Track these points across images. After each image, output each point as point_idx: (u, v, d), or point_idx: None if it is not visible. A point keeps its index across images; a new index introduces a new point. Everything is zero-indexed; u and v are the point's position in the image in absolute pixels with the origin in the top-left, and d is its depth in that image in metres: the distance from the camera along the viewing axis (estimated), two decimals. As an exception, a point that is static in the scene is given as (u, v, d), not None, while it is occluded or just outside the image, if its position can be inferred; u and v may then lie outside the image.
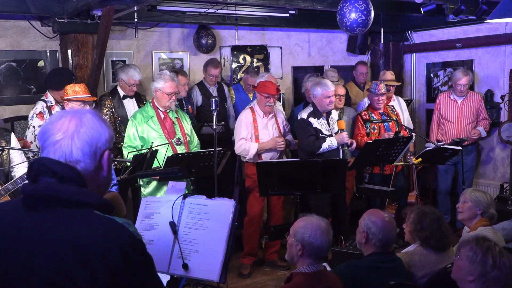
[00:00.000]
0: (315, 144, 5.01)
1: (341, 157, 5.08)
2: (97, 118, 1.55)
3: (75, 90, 4.41)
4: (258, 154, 5.02)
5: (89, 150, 1.50)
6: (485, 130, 6.21)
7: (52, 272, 1.36)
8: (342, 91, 5.67)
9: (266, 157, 5.05)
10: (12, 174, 4.11)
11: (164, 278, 2.48)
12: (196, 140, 4.89)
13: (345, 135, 5.03)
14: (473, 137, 6.09)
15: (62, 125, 1.50)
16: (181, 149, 4.62)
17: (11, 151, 4.03)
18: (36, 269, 1.38)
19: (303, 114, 5.15)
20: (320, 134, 5.05)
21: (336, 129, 5.13)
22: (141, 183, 4.59)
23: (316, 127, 5.05)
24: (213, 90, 5.99)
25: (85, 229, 1.39)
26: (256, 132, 5.03)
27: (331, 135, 5.07)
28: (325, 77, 6.47)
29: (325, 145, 4.99)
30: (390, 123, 5.66)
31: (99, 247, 1.36)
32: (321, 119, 5.10)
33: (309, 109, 5.19)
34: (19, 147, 4.15)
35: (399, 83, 6.78)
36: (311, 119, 5.07)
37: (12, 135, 4.12)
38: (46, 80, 5.05)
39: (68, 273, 1.35)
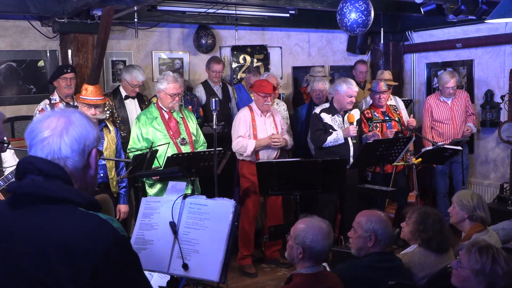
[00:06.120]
0: (320, 137, 5.11)
1: (351, 152, 5.14)
2: (85, 117, 1.59)
3: (86, 91, 4.41)
4: (255, 153, 5.02)
5: (78, 147, 1.51)
6: (474, 125, 6.29)
7: (37, 269, 1.36)
8: (321, 86, 5.85)
9: (263, 155, 5.05)
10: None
11: (164, 278, 2.49)
12: (202, 139, 4.88)
13: (351, 128, 5.06)
14: (466, 134, 6.17)
15: (50, 123, 1.52)
16: (186, 149, 4.61)
17: (2, 154, 4.04)
18: (21, 266, 1.38)
19: (317, 109, 5.28)
20: (330, 130, 5.13)
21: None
22: (147, 183, 4.59)
23: (326, 123, 5.14)
24: (218, 89, 5.99)
25: (68, 226, 1.40)
26: (255, 131, 5.04)
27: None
28: (311, 73, 6.51)
29: (330, 139, 5.06)
30: (393, 122, 5.68)
31: (82, 243, 1.37)
32: (335, 116, 5.18)
33: (325, 105, 5.31)
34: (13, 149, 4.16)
35: (396, 83, 6.79)
36: (323, 115, 5.17)
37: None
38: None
39: (52, 269, 1.35)
